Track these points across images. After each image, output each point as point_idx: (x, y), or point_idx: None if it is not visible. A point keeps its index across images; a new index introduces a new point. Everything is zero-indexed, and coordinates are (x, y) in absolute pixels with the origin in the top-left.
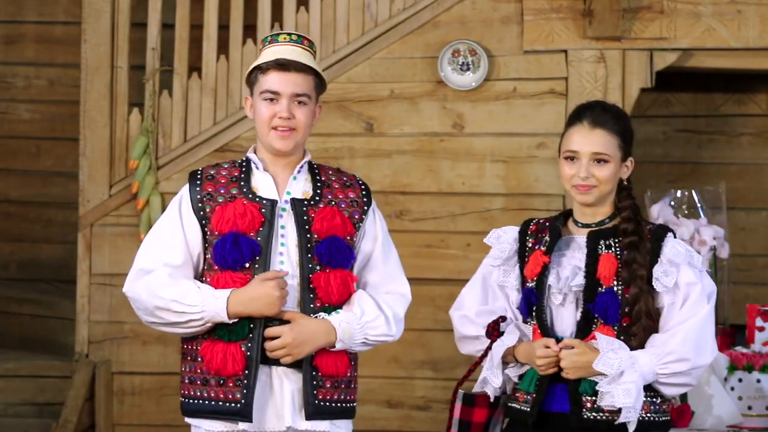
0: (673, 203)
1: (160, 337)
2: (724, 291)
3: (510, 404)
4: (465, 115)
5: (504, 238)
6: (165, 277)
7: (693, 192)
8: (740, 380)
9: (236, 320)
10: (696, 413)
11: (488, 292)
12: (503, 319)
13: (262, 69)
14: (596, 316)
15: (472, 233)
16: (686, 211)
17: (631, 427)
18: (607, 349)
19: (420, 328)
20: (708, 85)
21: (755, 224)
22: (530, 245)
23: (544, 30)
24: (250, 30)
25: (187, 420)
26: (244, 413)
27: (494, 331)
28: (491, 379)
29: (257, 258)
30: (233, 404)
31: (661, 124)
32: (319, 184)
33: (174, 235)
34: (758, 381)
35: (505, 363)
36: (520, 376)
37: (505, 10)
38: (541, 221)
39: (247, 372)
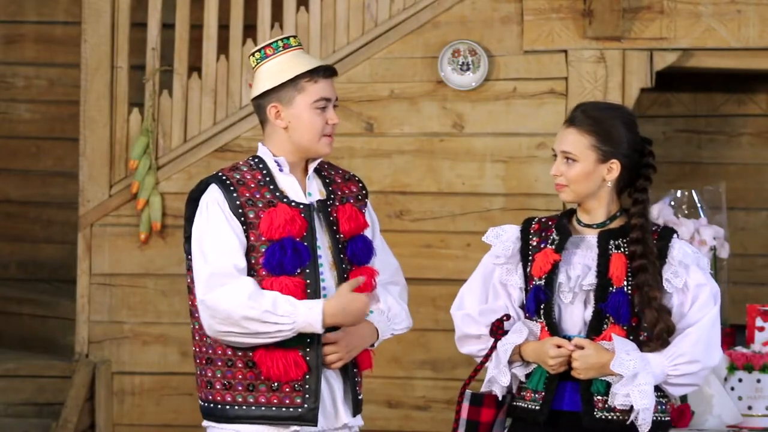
0: (673, 203)
1: (160, 337)
2: (724, 291)
3: (517, 404)
4: (465, 115)
5: (505, 237)
6: (251, 285)
7: (693, 192)
8: (740, 380)
9: (319, 334)
10: (696, 413)
11: (489, 290)
12: (507, 317)
13: (309, 78)
14: (608, 315)
15: (472, 233)
16: (686, 211)
17: (645, 429)
18: (621, 350)
19: (420, 328)
20: (708, 85)
21: (755, 224)
22: (534, 243)
23: (544, 30)
24: (250, 30)
25: (215, 426)
26: (307, 418)
27: (498, 329)
28: (499, 378)
29: (308, 263)
30: (292, 409)
31: (661, 124)
32: (327, 182)
33: (230, 239)
34: (758, 381)
35: (510, 362)
36: (527, 375)
37: (505, 10)
38: (543, 220)
39: (308, 377)
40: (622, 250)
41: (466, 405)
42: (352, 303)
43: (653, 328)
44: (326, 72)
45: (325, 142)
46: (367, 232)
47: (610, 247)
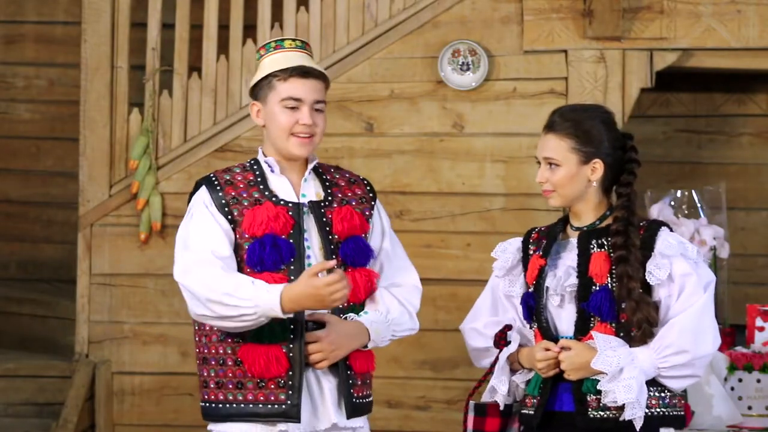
0: (673, 203)
1: (160, 337)
2: (724, 291)
3: (522, 411)
4: (465, 115)
5: (509, 250)
6: (218, 269)
7: (693, 192)
8: (740, 380)
9: (283, 318)
10: (696, 413)
11: (498, 304)
12: (509, 327)
13: (280, 76)
14: (592, 314)
15: (472, 233)
16: (686, 211)
17: (638, 423)
18: (604, 347)
19: (420, 328)
20: (708, 85)
21: (755, 224)
22: (531, 252)
23: (544, 30)
24: (250, 30)
25: (213, 426)
26: (290, 414)
27: (501, 340)
28: (498, 387)
29: (293, 260)
30: (276, 405)
31: (661, 124)
32: (327, 184)
33: (214, 230)
34: (758, 381)
35: (513, 371)
36: (527, 382)
37: (505, 10)
38: (542, 229)
39: (291, 373)
40: (606, 248)
41: (471, 416)
42: (309, 286)
43: (632, 318)
44: (296, 71)
45: (294, 141)
46: (374, 236)
47: (592, 246)
